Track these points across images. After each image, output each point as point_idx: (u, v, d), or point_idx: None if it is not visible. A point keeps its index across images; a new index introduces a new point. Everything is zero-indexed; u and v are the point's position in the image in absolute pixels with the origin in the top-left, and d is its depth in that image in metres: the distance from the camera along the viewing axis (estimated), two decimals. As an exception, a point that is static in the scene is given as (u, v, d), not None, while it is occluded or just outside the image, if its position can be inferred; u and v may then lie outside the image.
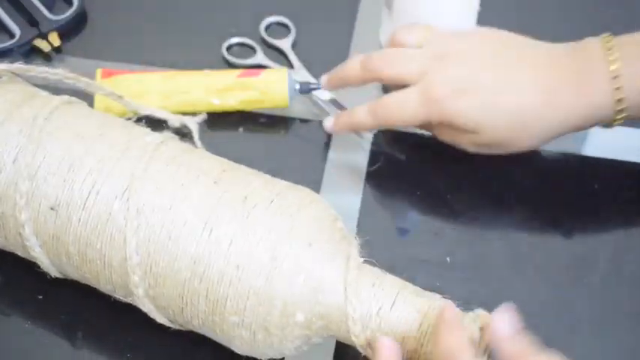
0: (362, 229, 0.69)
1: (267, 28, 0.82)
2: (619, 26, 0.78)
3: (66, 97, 0.63)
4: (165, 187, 0.57)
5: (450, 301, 0.56)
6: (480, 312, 0.55)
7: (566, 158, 0.74)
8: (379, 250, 0.68)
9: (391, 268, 0.67)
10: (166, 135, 0.62)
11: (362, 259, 0.57)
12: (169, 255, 0.56)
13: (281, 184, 0.59)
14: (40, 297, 0.65)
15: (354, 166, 0.73)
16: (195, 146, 0.70)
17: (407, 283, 0.57)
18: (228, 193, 0.57)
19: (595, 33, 0.68)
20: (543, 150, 0.74)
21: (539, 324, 0.64)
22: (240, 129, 0.75)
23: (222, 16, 0.83)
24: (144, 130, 0.62)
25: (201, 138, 0.73)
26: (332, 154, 0.74)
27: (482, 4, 0.77)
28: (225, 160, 0.61)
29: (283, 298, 0.55)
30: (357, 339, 0.56)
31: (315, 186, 0.71)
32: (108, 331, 0.63)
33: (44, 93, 0.64)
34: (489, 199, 0.71)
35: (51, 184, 0.58)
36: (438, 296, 0.57)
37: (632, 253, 0.68)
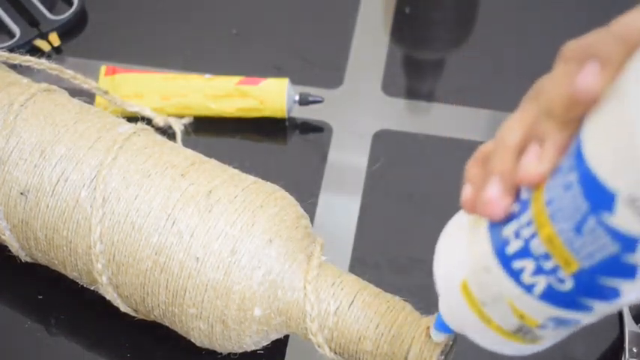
0: (362, 229, 0.69)
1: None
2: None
3: (45, 85, 0.63)
4: (132, 178, 0.58)
5: (408, 303, 0.56)
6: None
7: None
8: (379, 250, 0.68)
9: (391, 268, 0.68)
10: (140, 126, 0.62)
11: (324, 258, 0.57)
12: (132, 244, 0.56)
13: (248, 180, 0.59)
14: (40, 297, 0.65)
15: (354, 166, 0.73)
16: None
17: (368, 285, 0.57)
18: (193, 186, 0.57)
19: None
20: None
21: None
22: (240, 128, 0.75)
23: (223, 17, 0.83)
24: (118, 121, 0.62)
25: (202, 137, 0.73)
26: (332, 154, 0.74)
27: (481, 4, 0.77)
28: (197, 154, 0.61)
29: (241, 292, 0.55)
30: (315, 337, 0.55)
31: (315, 186, 0.71)
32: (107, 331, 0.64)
33: (25, 80, 0.65)
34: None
35: (22, 170, 0.59)
36: (398, 298, 0.56)
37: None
